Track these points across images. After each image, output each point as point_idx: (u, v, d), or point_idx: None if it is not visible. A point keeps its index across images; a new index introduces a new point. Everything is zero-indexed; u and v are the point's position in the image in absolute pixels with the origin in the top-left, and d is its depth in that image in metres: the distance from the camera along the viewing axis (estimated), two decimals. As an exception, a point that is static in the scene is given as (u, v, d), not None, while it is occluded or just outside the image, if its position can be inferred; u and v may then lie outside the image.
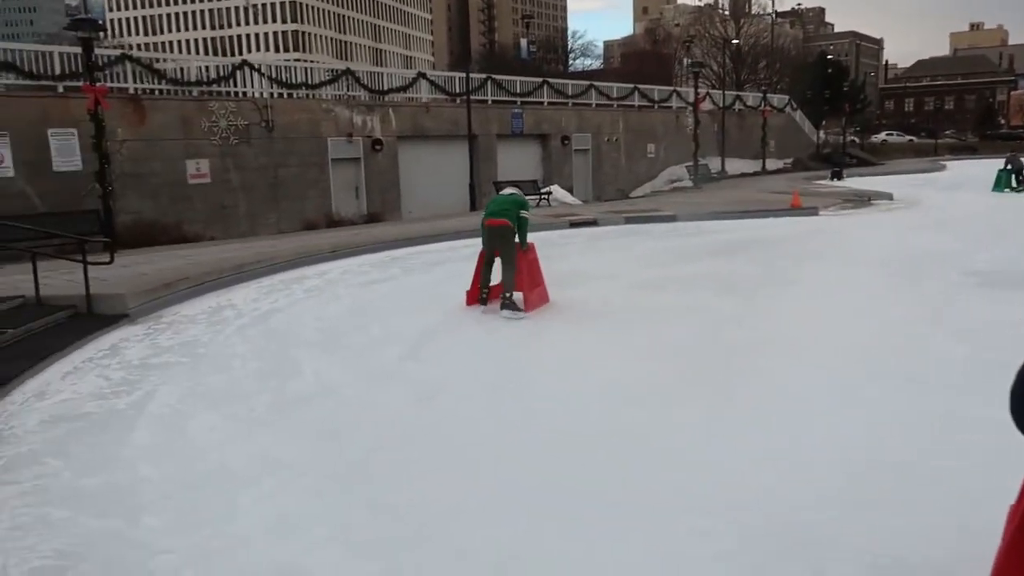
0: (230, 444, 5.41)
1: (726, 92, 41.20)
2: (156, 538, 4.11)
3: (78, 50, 16.09)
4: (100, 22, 16.06)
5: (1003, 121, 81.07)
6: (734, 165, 38.02)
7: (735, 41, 64.13)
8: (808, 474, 4.66)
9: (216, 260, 12.34)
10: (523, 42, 60.48)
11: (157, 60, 20.96)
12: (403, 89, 25.68)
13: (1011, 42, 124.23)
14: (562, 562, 3.80)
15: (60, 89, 17.09)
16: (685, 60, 62.13)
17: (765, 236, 15.97)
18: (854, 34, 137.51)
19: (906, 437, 5.21)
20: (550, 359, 7.57)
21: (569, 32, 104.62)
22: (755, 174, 38.26)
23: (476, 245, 9.61)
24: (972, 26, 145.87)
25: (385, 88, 24.99)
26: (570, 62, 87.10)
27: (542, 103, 29.70)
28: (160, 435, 5.56)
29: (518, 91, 28.92)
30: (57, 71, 17.29)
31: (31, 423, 5.78)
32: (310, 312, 9.62)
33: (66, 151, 16.56)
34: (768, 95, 43.50)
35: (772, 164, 41.27)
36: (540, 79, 31.63)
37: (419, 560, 3.85)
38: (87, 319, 8.88)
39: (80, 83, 16.09)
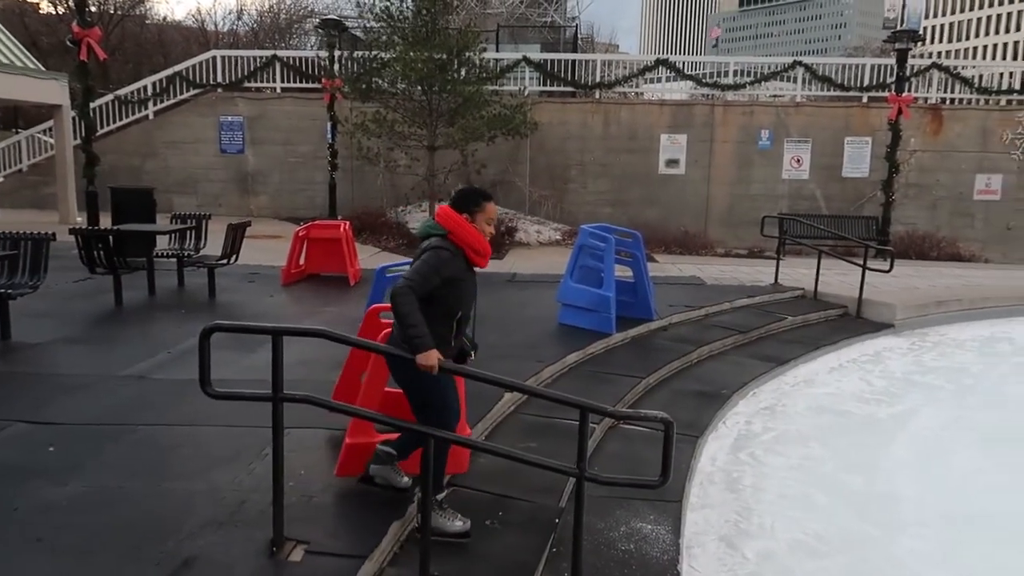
0: (995, 493, 4.86)
1: None
2: (918, 565, 3.99)
3: (888, 61, 16.53)
4: (917, 32, 16.07)
5: None
6: None
7: None
8: None
9: (995, 285, 11.24)
10: None
11: (963, 67, 19.96)
12: None
13: None
14: None
15: (864, 99, 17.91)
16: None
17: None
18: None
19: None
20: None
21: None
22: None
23: None
24: None
25: None
26: None
27: None
28: (921, 457, 5.38)
29: None
30: (865, 82, 18.13)
31: (800, 406, 6.31)
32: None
33: (857, 158, 17.39)
34: None
35: None
36: None
37: None
38: (854, 321, 9.21)
39: (884, 93, 16.59)
